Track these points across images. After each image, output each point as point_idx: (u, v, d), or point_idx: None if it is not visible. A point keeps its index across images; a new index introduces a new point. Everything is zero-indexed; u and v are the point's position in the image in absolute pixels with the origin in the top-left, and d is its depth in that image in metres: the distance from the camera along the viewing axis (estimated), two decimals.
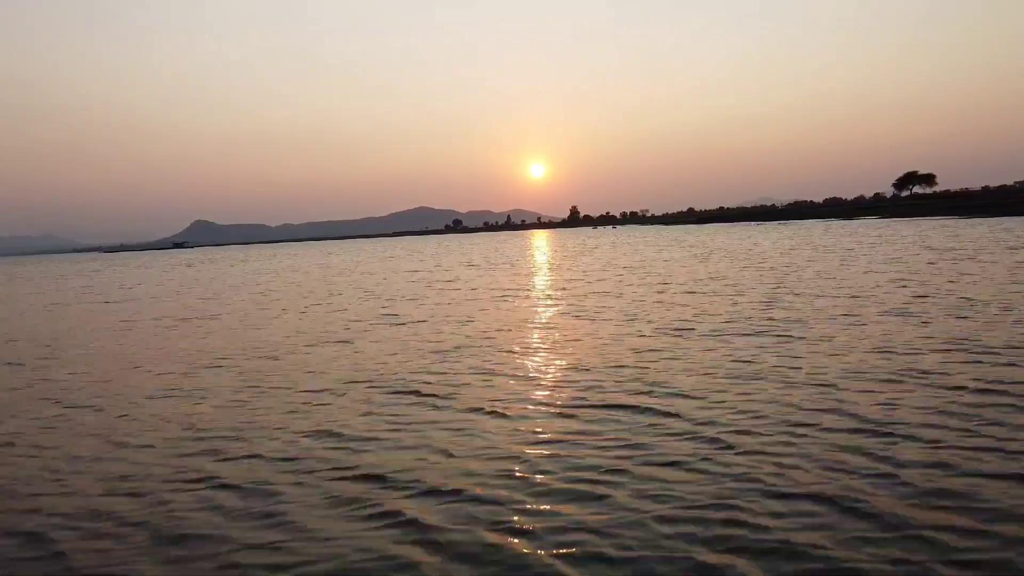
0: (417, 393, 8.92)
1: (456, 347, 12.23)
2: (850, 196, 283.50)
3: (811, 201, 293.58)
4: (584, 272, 30.18)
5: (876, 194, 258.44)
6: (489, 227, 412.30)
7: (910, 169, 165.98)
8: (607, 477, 5.70)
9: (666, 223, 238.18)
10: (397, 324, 15.99)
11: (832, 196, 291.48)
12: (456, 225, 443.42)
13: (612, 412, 7.55)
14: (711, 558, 4.32)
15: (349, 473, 6.12)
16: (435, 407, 8.21)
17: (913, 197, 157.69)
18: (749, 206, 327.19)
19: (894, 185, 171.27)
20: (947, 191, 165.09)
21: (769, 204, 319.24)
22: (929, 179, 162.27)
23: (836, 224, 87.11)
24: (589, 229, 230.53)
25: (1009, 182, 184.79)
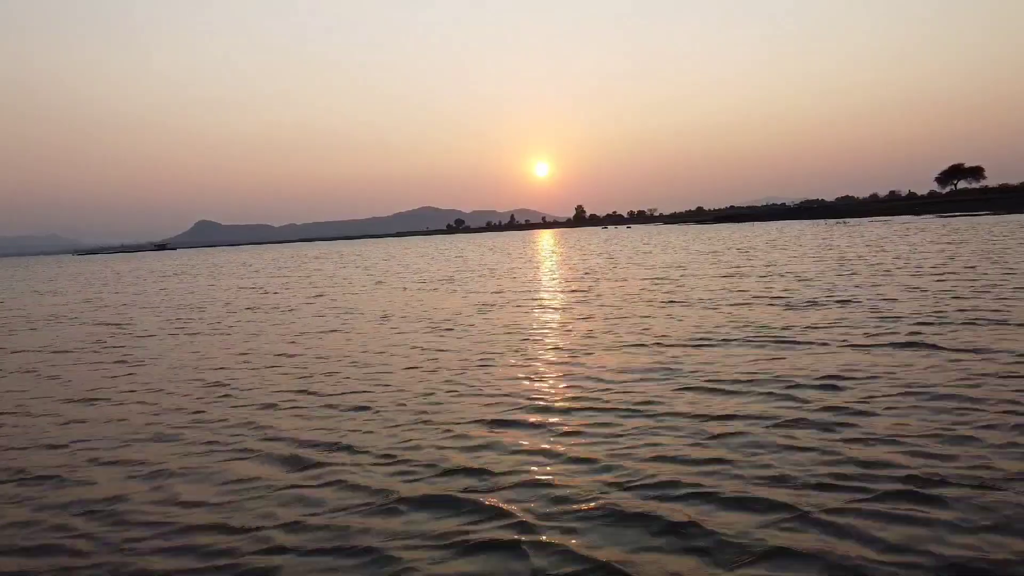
0: None
1: None
2: (861, 195, 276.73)
3: (822, 199, 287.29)
4: None
5: (891, 192, 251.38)
6: (492, 227, 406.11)
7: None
8: None
9: (676, 222, 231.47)
10: None
11: (843, 195, 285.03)
12: (458, 225, 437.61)
13: None
14: None
15: None
16: None
17: (964, 192, 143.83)
18: (759, 205, 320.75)
19: (937, 180, 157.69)
20: (958, 188, 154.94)
21: (779, 203, 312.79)
22: (976, 172, 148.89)
23: (941, 221, 63.90)
24: (599, 229, 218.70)
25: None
